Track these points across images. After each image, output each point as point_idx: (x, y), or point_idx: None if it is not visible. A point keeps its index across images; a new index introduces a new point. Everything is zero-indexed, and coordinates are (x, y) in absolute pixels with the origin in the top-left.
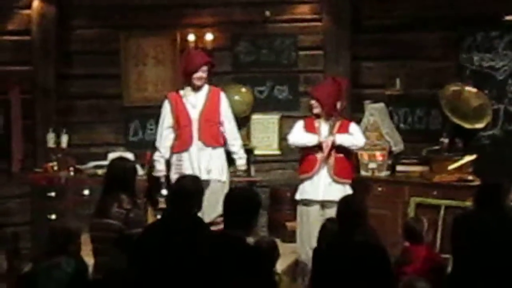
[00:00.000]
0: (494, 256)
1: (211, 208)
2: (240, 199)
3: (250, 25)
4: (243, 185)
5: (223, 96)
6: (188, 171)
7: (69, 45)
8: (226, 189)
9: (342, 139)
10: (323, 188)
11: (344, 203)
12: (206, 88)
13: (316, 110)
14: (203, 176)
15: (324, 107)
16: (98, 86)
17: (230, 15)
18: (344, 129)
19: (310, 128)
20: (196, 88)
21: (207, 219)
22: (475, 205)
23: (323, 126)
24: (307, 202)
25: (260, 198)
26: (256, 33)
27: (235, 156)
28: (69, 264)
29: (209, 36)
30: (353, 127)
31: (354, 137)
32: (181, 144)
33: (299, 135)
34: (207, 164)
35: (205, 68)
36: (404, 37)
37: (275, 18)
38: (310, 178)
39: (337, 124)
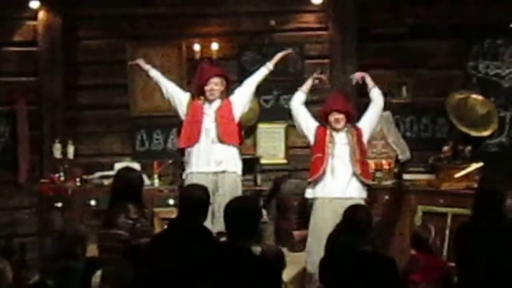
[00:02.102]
0: (496, 264)
1: None
2: (239, 210)
3: (256, 34)
4: (245, 194)
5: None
6: (194, 167)
7: (75, 56)
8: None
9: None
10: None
11: (350, 213)
12: (218, 100)
13: (340, 125)
14: (213, 168)
15: (351, 119)
16: (104, 96)
17: (236, 25)
18: (360, 136)
19: (320, 135)
20: (209, 101)
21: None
22: (474, 213)
23: (336, 134)
24: None
25: (260, 206)
26: (262, 42)
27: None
28: (77, 266)
29: (214, 46)
30: (362, 120)
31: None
32: (187, 139)
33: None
34: (217, 156)
35: (216, 80)
36: (410, 46)
37: (281, 27)
38: None
39: (353, 131)
